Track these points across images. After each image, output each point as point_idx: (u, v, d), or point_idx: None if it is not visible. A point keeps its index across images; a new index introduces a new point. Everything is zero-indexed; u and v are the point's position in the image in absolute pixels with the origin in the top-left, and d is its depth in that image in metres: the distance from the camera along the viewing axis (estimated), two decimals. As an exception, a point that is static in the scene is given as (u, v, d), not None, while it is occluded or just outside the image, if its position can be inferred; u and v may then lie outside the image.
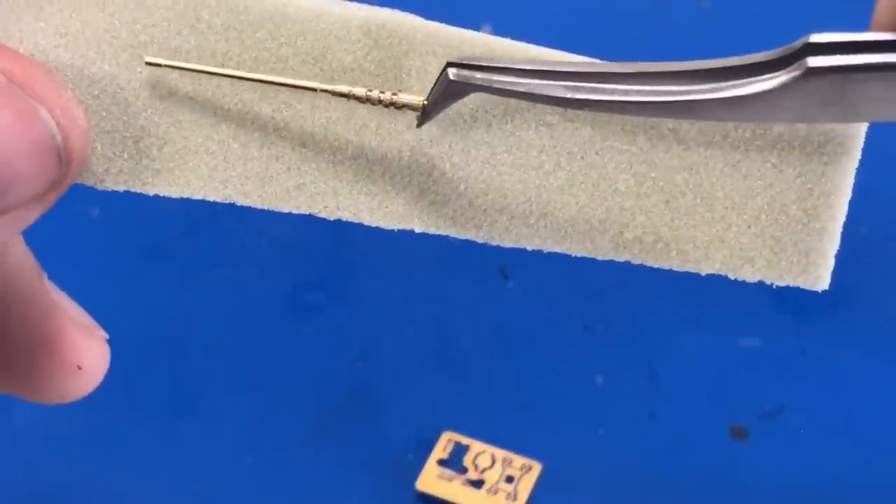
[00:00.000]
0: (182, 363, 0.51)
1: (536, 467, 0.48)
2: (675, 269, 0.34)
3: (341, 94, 0.32)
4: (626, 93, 0.31)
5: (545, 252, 0.56)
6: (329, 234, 0.55)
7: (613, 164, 0.32)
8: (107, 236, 0.56)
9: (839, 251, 0.54)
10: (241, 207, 0.60)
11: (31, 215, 0.32)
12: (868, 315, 0.52)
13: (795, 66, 0.30)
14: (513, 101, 0.32)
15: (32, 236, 0.58)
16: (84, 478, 0.48)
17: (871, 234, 0.54)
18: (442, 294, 0.53)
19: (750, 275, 0.33)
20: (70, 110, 0.30)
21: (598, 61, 0.32)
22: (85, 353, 0.36)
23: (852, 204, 0.58)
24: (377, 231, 0.58)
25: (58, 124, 0.30)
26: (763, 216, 0.32)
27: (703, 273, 0.33)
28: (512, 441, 0.48)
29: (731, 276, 0.33)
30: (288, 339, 0.52)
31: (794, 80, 0.30)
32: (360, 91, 0.32)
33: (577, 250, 0.34)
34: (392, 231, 0.58)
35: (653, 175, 0.32)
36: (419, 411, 0.50)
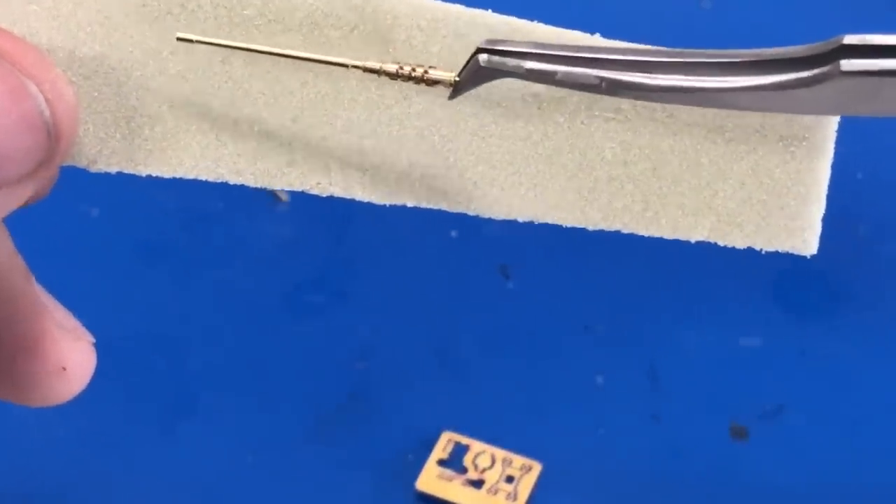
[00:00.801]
0: (181, 363, 0.51)
1: (536, 467, 0.48)
2: (665, 237, 0.33)
3: (372, 70, 0.32)
4: (658, 80, 0.31)
5: (545, 251, 0.56)
6: (329, 234, 0.55)
7: (600, 133, 0.32)
8: (107, 236, 0.56)
9: (840, 251, 0.54)
10: (242, 207, 0.61)
11: (20, 195, 0.32)
12: (868, 315, 0.52)
13: (828, 66, 0.30)
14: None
15: (33, 236, 0.58)
16: (84, 478, 0.48)
17: (871, 234, 0.54)
18: (442, 294, 0.53)
19: (739, 241, 0.33)
20: (59, 87, 0.30)
21: (628, 45, 0.32)
22: (70, 356, 0.35)
23: (853, 204, 0.59)
24: (377, 231, 0.58)
25: (47, 100, 0.30)
26: (748, 180, 0.32)
27: (693, 240, 0.33)
28: (512, 441, 0.48)
29: (721, 243, 0.33)
30: (288, 339, 0.52)
31: (827, 79, 0.30)
32: (390, 67, 0.32)
33: (567, 220, 0.34)
34: (392, 231, 0.58)
35: (639, 143, 0.32)
36: (419, 411, 0.50)
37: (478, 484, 0.47)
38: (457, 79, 0.32)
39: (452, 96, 0.32)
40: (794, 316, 0.52)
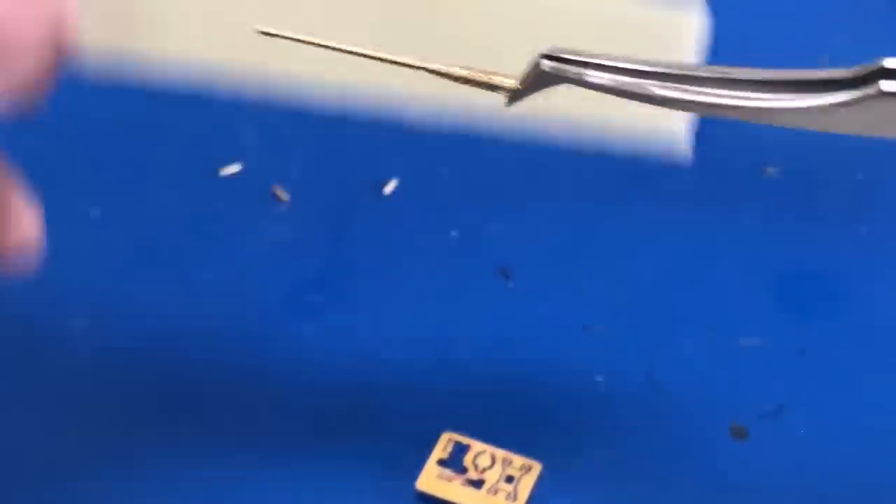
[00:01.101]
0: (182, 363, 0.51)
1: (536, 467, 0.48)
2: None
3: (438, 73, 0.34)
4: (707, 96, 0.33)
5: (545, 251, 0.56)
6: (329, 234, 0.55)
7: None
8: (107, 236, 0.56)
9: (841, 251, 0.54)
10: (242, 207, 0.61)
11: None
12: (868, 315, 0.52)
13: (869, 87, 0.31)
14: None
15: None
16: (84, 478, 0.48)
17: (870, 234, 0.54)
18: (442, 294, 0.53)
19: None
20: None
21: (680, 62, 0.34)
22: (32, 231, 0.37)
23: (852, 203, 0.59)
24: (377, 231, 0.58)
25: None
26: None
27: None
28: (512, 441, 0.48)
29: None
30: (288, 340, 0.52)
31: (867, 100, 0.31)
32: (456, 71, 0.34)
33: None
34: (392, 231, 0.58)
35: None
36: (419, 411, 0.50)
37: (478, 484, 0.47)
38: (518, 87, 0.34)
39: (510, 103, 0.34)
40: (794, 316, 0.52)
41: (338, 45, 0.34)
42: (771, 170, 0.57)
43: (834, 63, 0.62)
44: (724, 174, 0.57)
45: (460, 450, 0.48)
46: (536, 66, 0.33)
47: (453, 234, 0.55)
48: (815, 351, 0.51)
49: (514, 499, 0.47)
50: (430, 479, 0.47)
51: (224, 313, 0.53)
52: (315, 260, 0.55)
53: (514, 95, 0.34)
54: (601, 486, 0.48)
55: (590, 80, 0.33)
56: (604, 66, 0.33)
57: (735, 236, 0.55)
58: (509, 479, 0.47)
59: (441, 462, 0.48)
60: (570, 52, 0.33)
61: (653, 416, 0.49)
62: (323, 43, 0.34)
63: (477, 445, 0.48)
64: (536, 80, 0.34)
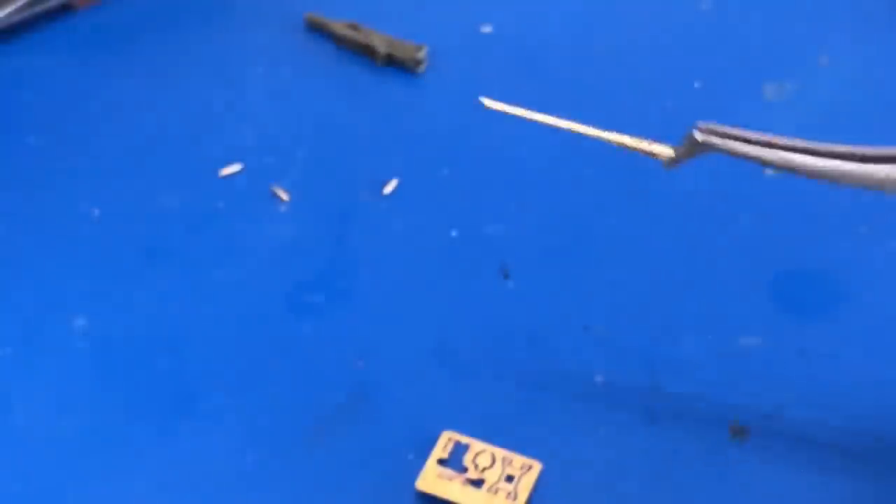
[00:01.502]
0: (182, 363, 0.51)
1: (536, 466, 0.48)
2: None
3: (611, 140, 0.43)
4: (829, 168, 0.41)
5: (545, 251, 0.56)
6: (329, 234, 0.56)
7: None
8: (108, 236, 0.56)
9: (841, 251, 0.54)
10: (242, 207, 0.61)
11: None
12: (868, 315, 0.52)
13: None
14: None
15: (33, 236, 0.58)
16: (84, 478, 0.48)
17: (870, 234, 0.54)
18: (442, 294, 0.54)
19: None
20: None
21: (822, 145, 0.40)
22: None
23: (852, 203, 0.59)
24: (377, 231, 0.58)
25: None
26: None
27: None
28: (512, 440, 0.48)
29: None
30: (288, 339, 0.52)
31: None
32: (627, 140, 0.42)
33: None
34: (392, 231, 0.59)
35: None
36: (419, 411, 0.50)
37: (478, 483, 0.47)
38: (673, 155, 0.42)
39: (669, 167, 0.42)
40: (794, 316, 0.52)
41: (548, 119, 0.42)
42: (770, 170, 0.57)
43: (833, 63, 0.62)
44: (724, 174, 0.57)
45: (460, 449, 0.48)
46: (691, 136, 0.41)
47: (453, 234, 0.55)
48: (815, 351, 0.51)
49: (514, 498, 0.47)
50: (431, 478, 0.47)
51: (224, 313, 0.53)
52: (315, 260, 0.55)
53: (671, 161, 0.42)
54: (601, 486, 0.48)
55: (734, 149, 0.41)
56: (745, 138, 0.41)
57: (735, 236, 0.55)
58: (509, 479, 0.47)
59: (441, 461, 0.48)
60: (717, 127, 0.41)
61: (653, 416, 0.49)
62: (542, 118, 0.42)
63: (477, 445, 0.48)
64: (690, 149, 0.41)
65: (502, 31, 0.63)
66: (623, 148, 0.42)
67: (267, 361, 0.52)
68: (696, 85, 0.61)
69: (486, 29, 0.63)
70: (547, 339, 0.52)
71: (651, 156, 0.42)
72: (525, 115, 0.42)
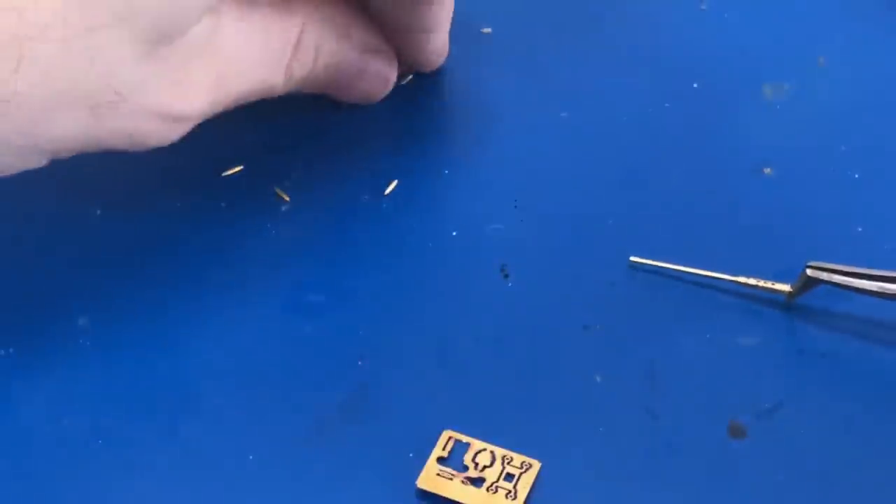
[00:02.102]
0: (182, 363, 0.52)
1: (536, 465, 0.48)
2: None
3: (736, 282, 0.51)
4: None
5: (545, 251, 0.56)
6: (329, 234, 0.56)
7: None
8: (108, 236, 0.56)
9: (839, 251, 0.54)
10: (242, 207, 0.61)
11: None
12: (868, 315, 0.52)
13: None
14: None
15: (34, 236, 0.58)
16: (84, 478, 0.48)
17: (870, 234, 0.54)
18: (442, 294, 0.54)
19: None
20: None
21: None
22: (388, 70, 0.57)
23: (852, 203, 0.59)
24: (377, 231, 0.58)
25: None
26: None
27: None
28: (512, 439, 0.48)
29: None
30: (288, 339, 0.52)
31: None
32: (751, 281, 0.51)
33: None
34: (392, 231, 0.59)
35: None
36: (419, 410, 0.50)
37: (478, 482, 0.47)
38: (791, 290, 0.50)
39: (788, 301, 0.51)
40: (793, 315, 0.52)
41: (698, 271, 0.51)
42: (770, 170, 0.57)
43: (832, 63, 0.62)
44: (722, 174, 0.57)
45: (460, 448, 0.48)
46: (804, 273, 0.49)
47: (453, 233, 0.56)
48: (814, 350, 0.51)
49: (514, 497, 0.47)
50: (431, 477, 0.47)
51: (224, 313, 0.53)
52: (316, 260, 0.55)
53: (789, 297, 0.50)
54: (601, 485, 0.48)
55: (844, 284, 0.49)
56: (853, 273, 0.49)
57: (734, 235, 0.55)
58: (509, 477, 0.48)
59: (441, 460, 0.48)
60: (828, 265, 0.49)
61: (652, 416, 0.49)
62: (692, 271, 0.51)
63: (477, 443, 0.48)
64: (804, 285, 0.50)
65: (502, 32, 0.63)
66: (746, 287, 0.51)
67: (267, 361, 0.52)
68: (695, 85, 0.61)
69: (486, 29, 0.63)
70: (546, 338, 0.52)
71: (772, 293, 0.50)
72: (680, 270, 0.51)
